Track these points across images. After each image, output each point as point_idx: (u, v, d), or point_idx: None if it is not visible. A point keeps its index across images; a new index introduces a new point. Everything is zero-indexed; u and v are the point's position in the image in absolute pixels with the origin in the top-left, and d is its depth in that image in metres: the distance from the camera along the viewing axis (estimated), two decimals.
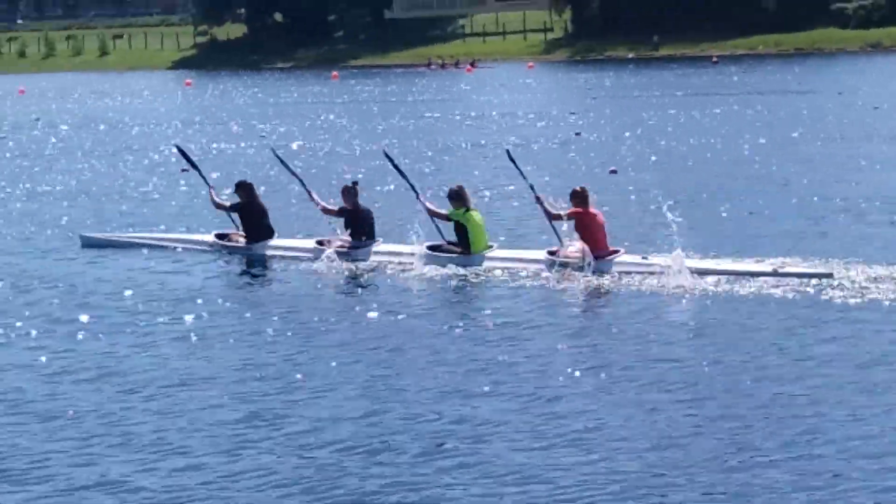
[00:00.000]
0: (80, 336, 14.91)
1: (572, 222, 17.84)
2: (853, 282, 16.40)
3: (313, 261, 18.75)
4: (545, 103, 57.07)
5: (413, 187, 19.54)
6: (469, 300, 16.73)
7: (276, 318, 15.53)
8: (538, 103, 57.18)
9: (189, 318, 15.61)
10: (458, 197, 18.63)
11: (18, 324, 15.56)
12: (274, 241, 19.92)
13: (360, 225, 19.24)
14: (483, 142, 38.88)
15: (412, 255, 18.34)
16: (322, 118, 51.72)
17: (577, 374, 12.73)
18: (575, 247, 17.57)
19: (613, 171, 29.81)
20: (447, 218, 18.74)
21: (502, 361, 13.28)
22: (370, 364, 13.33)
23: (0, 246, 21.73)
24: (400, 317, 15.44)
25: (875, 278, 16.52)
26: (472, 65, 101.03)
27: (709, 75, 73.32)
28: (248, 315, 15.82)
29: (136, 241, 20.78)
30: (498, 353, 13.61)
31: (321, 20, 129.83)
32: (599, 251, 17.58)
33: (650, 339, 14.08)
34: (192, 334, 14.81)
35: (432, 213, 19.05)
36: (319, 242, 19.25)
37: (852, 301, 15.55)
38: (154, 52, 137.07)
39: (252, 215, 20.06)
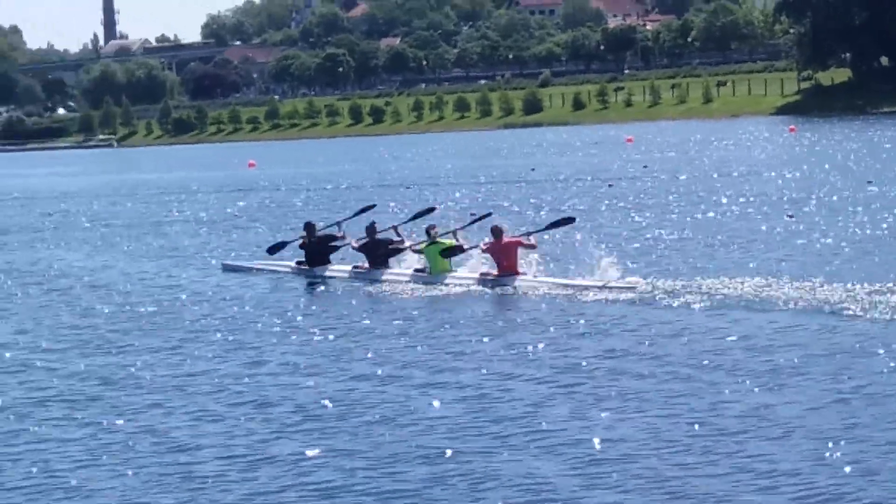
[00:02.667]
0: None
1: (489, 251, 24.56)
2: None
3: (349, 280, 26.21)
4: None
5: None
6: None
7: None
8: None
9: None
10: (427, 234, 25.65)
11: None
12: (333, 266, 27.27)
13: (378, 255, 26.38)
14: None
15: (405, 275, 25.68)
16: None
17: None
18: (484, 268, 24.74)
19: None
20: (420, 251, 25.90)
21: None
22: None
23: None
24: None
25: None
26: None
27: None
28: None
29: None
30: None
31: None
32: (504, 271, 24.00)
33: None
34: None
35: (413, 249, 26.18)
36: (355, 267, 26.72)
37: None
38: (757, 98, 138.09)
39: (315, 247, 27.24)
